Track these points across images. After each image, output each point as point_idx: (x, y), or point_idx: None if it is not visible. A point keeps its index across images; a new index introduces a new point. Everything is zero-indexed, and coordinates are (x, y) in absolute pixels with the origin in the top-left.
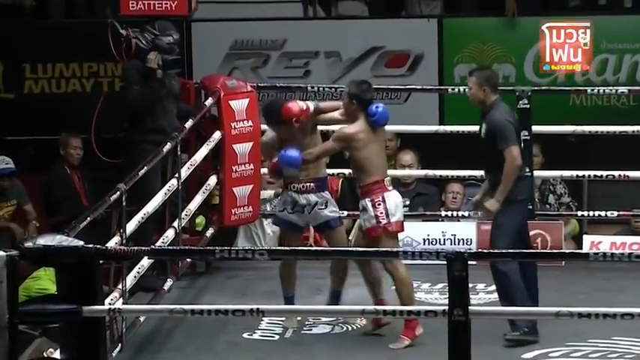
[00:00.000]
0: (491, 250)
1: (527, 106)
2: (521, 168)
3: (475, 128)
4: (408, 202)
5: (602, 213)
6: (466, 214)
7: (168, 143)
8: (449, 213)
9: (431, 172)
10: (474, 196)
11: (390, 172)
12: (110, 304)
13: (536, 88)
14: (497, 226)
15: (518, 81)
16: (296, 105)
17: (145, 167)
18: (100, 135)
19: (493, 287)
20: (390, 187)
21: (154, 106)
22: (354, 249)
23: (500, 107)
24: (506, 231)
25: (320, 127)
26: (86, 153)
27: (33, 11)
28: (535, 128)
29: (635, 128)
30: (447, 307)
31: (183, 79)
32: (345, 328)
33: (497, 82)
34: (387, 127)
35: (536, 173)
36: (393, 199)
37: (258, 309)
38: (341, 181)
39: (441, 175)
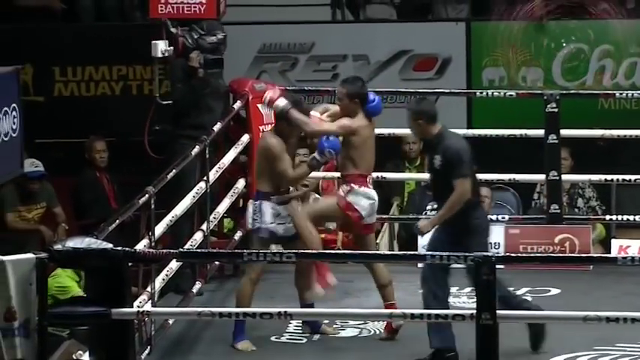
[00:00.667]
0: (519, 254)
1: (556, 109)
2: (475, 195)
3: (503, 132)
4: (436, 206)
5: (631, 217)
6: (494, 217)
7: (197, 147)
8: None
9: None
10: (502, 200)
11: (419, 175)
12: (139, 306)
13: (564, 91)
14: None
15: (546, 85)
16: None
17: (174, 170)
18: (130, 138)
19: (521, 291)
20: (371, 186)
21: (197, 103)
22: (382, 252)
23: (450, 137)
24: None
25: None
26: (115, 156)
27: (63, 14)
28: (563, 132)
29: None
30: (474, 311)
31: None
32: (372, 332)
33: (433, 113)
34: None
35: (565, 177)
36: (370, 196)
37: (286, 312)
38: None
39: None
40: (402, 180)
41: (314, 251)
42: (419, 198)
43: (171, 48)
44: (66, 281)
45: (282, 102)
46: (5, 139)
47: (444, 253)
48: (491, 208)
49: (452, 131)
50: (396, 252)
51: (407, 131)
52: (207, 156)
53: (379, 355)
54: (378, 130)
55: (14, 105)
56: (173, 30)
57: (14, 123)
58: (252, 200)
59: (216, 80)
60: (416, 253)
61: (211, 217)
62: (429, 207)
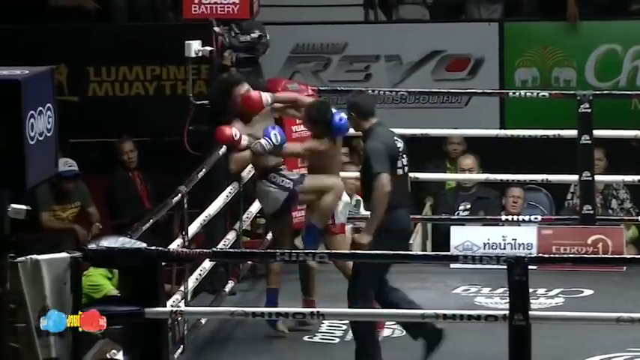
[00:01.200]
0: (552, 255)
1: (589, 110)
2: (397, 197)
3: (536, 132)
4: (468, 206)
5: None
6: (526, 218)
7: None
8: (509, 217)
9: (492, 177)
10: (534, 201)
11: (451, 175)
12: (172, 305)
13: (597, 92)
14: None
15: (579, 85)
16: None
17: (204, 169)
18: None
19: (554, 292)
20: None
21: None
22: (414, 253)
23: (375, 134)
24: (367, 265)
25: None
26: (148, 155)
27: (96, 15)
28: (596, 132)
29: None
30: (507, 312)
31: None
32: (404, 332)
33: (366, 109)
34: (449, 131)
35: (598, 177)
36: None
37: (318, 312)
38: None
39: (501, 180)
40: (435, 180)
41: (348, 252)
42: (451, 198)
43: (206, 48)
44: (99, 279)
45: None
46: (40, 138)
47: (477, 254)
48: (523, 208)
49: (383, 129)
50: (429, 252)
51: (442, 131)
52: None
53: (411, 355)
54: (410, 131)
55: (49, 105)
56: (216, 29)
57: (49, 122)
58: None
59: (255, 79)
60: (448, 253)
61: (244, 217)
62: (461, 207)
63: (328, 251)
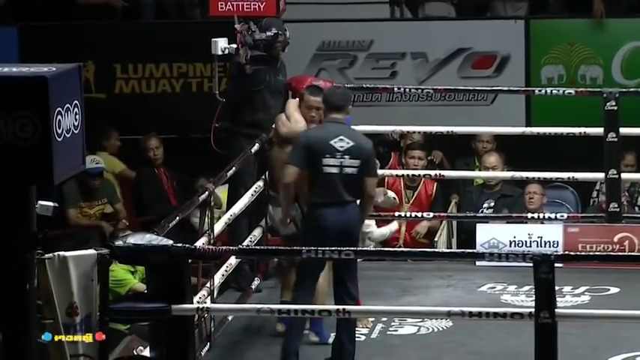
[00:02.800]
0: (578, 253)
1: (615, 107)
2: (322, 196)
3: (562, 129)
4: (492, 204)
5: None
6: (552, 216)
7: (257, 144)
8: (535, 215)
9: (517, 174)
10: (560, 199)
11: (474, 173)
12: (199, 302)
13: (623, 89)
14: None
15: (605, 83)
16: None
17: (234, 168)
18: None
19: (580, 290)
20: None
21: (250, 100)
22: (440, 250)
23: (316, 128)
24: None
25: None
26: (175, 153)
27: (123, 12)
28: (623, 130)
29: None
30: (533, 310)
31: None
32: (430, 330)
33: (333, 102)
34: (475, 129)
35: (624, 176)
36: None
37: (344, 309)
38: (436, 184)
39: (527, 177)
40: (460, 178)
41: (375, 249)
42: (475, 195)
43: (232, 45)
44: (122, 274)
45: None
46: (67, 135)
47: (503, 251)
48: (543, 205)
49: (327, 124)
50: (455, 250)
51: (468, 129)
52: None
53: (437, 352)
54: (436, 129)
55: (76, 102)
56: (237, 27)
57: (76, 120)
58: None
59: (274, 77)
60: (474, 251)
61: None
62: (485, 204)
63: (352, 248)
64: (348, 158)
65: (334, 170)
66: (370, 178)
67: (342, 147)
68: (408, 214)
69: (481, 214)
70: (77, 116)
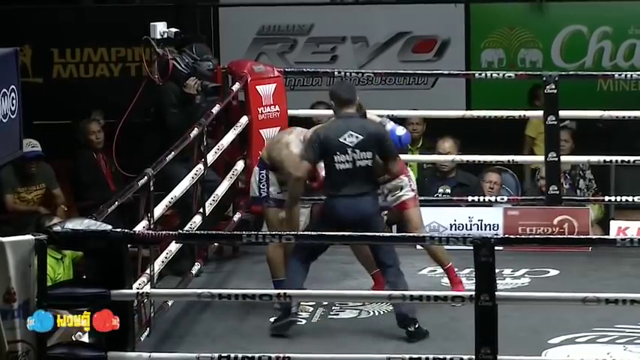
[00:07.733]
0: (518, 236)
1: (555, 91)
2: (335, 189)
3: (502, 113)
4: (448, 191)
5: (630, 198)
6: (492, 198)
7: (195, 129)
8: (475, 198)
9: (457, 157)
10: (506, 184)
11: (426, 157)
12: (138, 288)
13: (563, 73)
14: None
15: (545, 66)
16: None
17: (173, 153)
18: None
19: (520, 272)
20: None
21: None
22: (383, 234)
23: (332, 121)
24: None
25: None
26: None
27: None
28: (562, 113)
29: None
30: (474, 293)
31: None
32: (371, 314)
33: (342, 97)
34: (416, 113)
35: (564, 158)
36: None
37: (285, 293)
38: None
39: (467, 161)
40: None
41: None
42: (428, 181)
43: (171, 30)
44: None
45: None
46: (4, 120)
47: (443, 235)
48: (500, 193)
49: (338, 120)
50: (395, 234)
51: (408, 113)
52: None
53: (378, 336)
54: (376, 112)
55: (13, 86)
56: (159, 51)
57: (13, 104)
58: (258, 169)
59: (208, 106)
60: (414, 234)
61: (211, 199)
62: (440, 190)
63: (291, 232)
64: (360, 152)
65: (348, 166)
66: (390, 159)
67: (352, 142)
68: None
69: (434, 198)
70: (14, 101)
